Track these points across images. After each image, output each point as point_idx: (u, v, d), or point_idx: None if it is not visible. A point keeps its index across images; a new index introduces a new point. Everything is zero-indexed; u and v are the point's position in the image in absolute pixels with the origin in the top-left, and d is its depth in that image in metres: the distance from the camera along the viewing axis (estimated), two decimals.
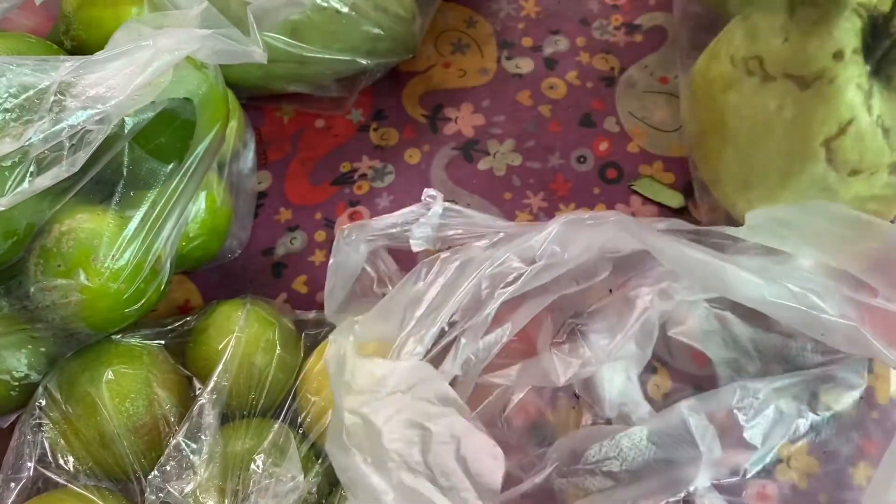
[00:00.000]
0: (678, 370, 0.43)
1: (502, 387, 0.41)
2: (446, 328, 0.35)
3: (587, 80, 0.56)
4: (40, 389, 0.38)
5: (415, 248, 0.40)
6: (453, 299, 0.34)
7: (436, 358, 0.35)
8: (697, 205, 0.49)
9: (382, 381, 0.32)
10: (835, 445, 0.40)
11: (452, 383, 0.33)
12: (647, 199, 0.51)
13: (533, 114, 0.55)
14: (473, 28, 0.59)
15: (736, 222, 0.49)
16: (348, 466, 0.30)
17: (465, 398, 0.35)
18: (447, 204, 0.40)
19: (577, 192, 0.52)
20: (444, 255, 0.37)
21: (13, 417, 0.41)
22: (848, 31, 0.35)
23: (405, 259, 0.43)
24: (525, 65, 0.57)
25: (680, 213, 0.50)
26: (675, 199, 0.50)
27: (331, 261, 0.39)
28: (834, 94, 0.35)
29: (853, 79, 0.35)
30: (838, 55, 0.35)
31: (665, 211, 0.50)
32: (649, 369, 0.42)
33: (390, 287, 0.42)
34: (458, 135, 0.55)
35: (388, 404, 0.31)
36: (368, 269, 0.42)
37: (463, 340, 0.35)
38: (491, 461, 0.31)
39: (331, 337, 0.34)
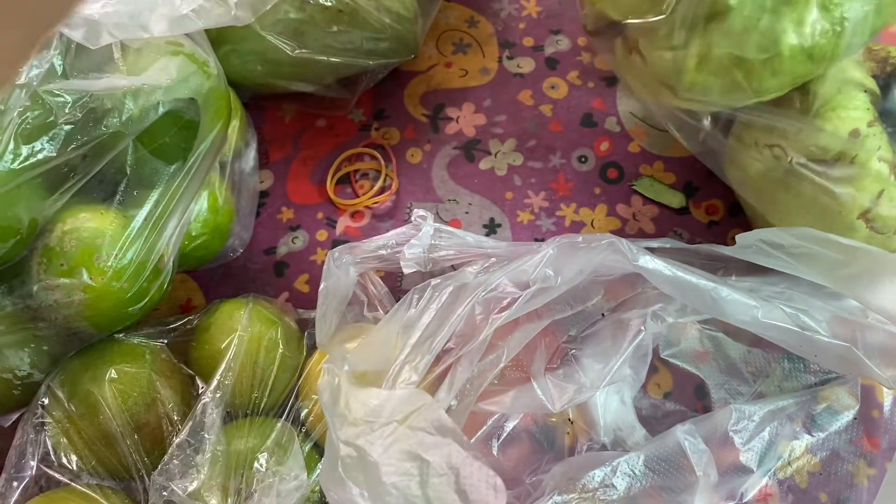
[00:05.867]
0: (679, 368, 0.43)
1: (497, 414, 0.40)
2: (440, 355, 0.34)
3: (588, 80, 0.56)
4: (43, 388, 0.38)
5: (406, 270, 0.39)
6: (447, 326, 0.34)
7: (430, 386, 0.34)
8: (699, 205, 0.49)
9: (377, 411, 0.31)
10: (835, 444, 0.40)
11: (447, 411, 0.32)
12: (647, 199, 0.51)
13: (534, 113, 0.55)
14: (475, 28, 0.59)
15: (736, 221, 0.49)
16: (344, 500, 0.30)
17: (459, 426, 0.34)
18: (437, 225, 0.40)
19: (578, 191, 0.52)
20: (435, 281, 0.37)
21: (16, 416, 0.41)
22: (858, 108, 0.36)
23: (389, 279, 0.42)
24: (526, 64, 0.57)
25: (681, 212, 0.50)
26: (675, 199, 0.50)
27: (321, 285, 0.38)
28: (858, 171, 0.35)
29: (874, 151, 0.35)
30: (854, 133, 0.35)
31: (666, 211, 0.50)
32: (650, 368, 0.43)
33: (381, 311, 0.42)
34: (459, 134, 0.55)
35: (384, 435, 0.31)
36: (358, 292, 0.42)
37: (458, 368, 0.35)
38: (491, 492, 0.30)
39: (324, 365, 0.34)
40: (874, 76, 0.37)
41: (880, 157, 0.35)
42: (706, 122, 0.40)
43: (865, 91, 0.36)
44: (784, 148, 0.37)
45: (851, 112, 0.36)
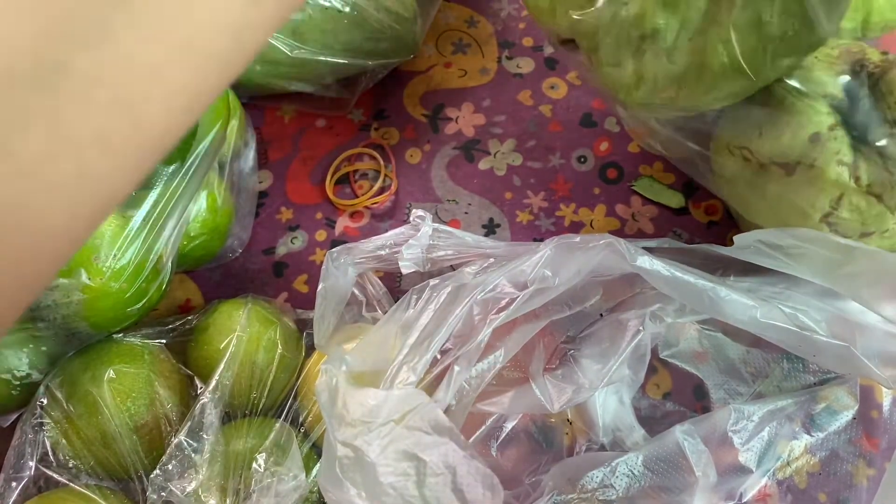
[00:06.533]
0: (678, 368, 0.43)
1: (495, 415, 0.40)
2: (438, 356, 0.34)
3: None
4: (42, 388, 0.38)
5: (404, 270, 0.39)
6: (445, 326, 0.34)
7: (429, 386, 0.34)
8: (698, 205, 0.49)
9: (375, 411, 0.31)
10: (834, 444, 0.40)
11: (445, 412, 0.32)
12: (647, 200, 0.51)
13: (533, 113, 0.55)
14: (474, 28, 0.59)
15: (735, 222, 0.49)
16: (342, 501, 0.30)
17: (458, 427, 0.34)
18: (436, 225, 0.40)
19: (577, 192, 0.52)
20: (433, 281, 0.37)
21: (14, 416, 0.41)
22: (819, 112, 0.35)
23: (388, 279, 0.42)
24: (526, 64, 0.57)
25: (680, 212, 0.50)
26: (675, 199, 0.50)
27: (320, 286, 0.38)
28: (817, 175, 0.35)
29: (834, 157, 0.35)
30: (814, 138, 0.35)
31: (665, 211, 0.50)
32: (649, 369, 0.42)
33: (380, 311, 0.42)
34: (458, 134, 0.55)
35: (382, 435, 0.31)
36: (357, 292, 0.42)
37: (456, 368, 0.34)
38: (488, 492, 0.30)
39: (322, 366, 0.34)
40: (844, 80, 0.37)
41: (840, 160, 0.35)
42: (677, 132, 0.41)
43: (826, 95, 0.36)
44: (751, 150, 0.37)
45: (812, 116, 0.35)
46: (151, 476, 0.35)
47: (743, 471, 0.38)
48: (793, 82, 0.36)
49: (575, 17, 0.37)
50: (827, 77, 0.36)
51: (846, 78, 0.36)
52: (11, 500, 0.36)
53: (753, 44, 0.32)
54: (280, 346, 0.41)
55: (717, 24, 0.33)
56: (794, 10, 0.31)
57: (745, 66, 0.33)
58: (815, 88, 0.36)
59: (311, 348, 0.43)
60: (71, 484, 0.36)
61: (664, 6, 0.34)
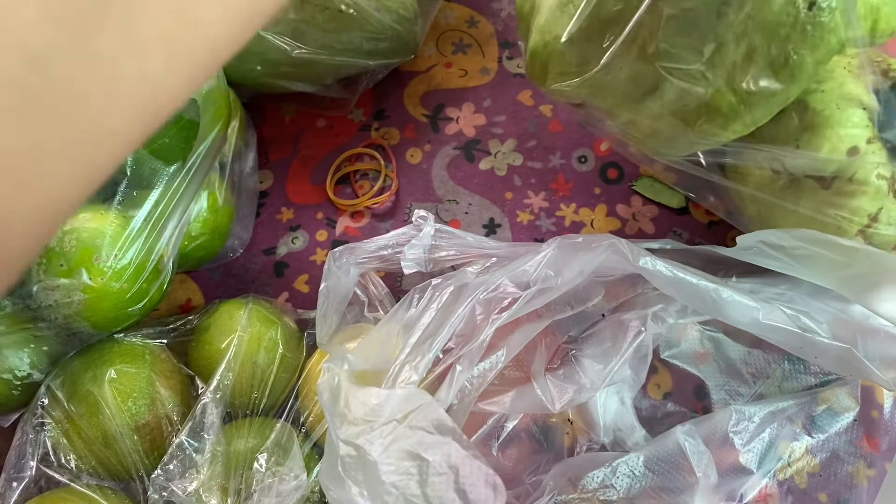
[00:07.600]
0: (679, 368, 0.43)
1: (496, 414, 0.40)
2: (440, 355, 0.34)
3: None
4: (43, 388, 0.38)
5: (406, 271, 0.39)
6: (448, 326, 0.34)
7: (430, 385, 0.34)
8: (698, 205, 0.49)
9: (377, 410, 0.31)
10: (835, 445, 0.40)
11: (447, 411, 0.32)
12: (647, 199, 0.51)
13: (534, 113, 0.55)
14: (475, 28, 0.59)
15: (735, 224, 0.49)
16: (343, 499, 0.30)
17: (459, 426, 0.34)
18: (438, 225, 0.40)
19: (578, 192, 0.52)
20: (435, 281, 0.37)
21: (15, 416, 0.41)
22: (857, 125, 0.35)
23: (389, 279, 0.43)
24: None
25: (681, 212, 0.50)
26: (675, 199, 0.50)
27: (322, 285, 0.38)
28: (856, 189, 0.35)
29: (873, 169, 0.35)
30: (852, 151, 0.35)
31: (666, 211, 0.50)
32: (650, 369, 0.42)
33: (381, 311, 0.42)
34: (459, 134, 0.55)
35: (384, 434, 0.30)
36: (359, 292, 0.42)
37: (458, 368, 0.34)
38: (491, 492, 0.30)
39: (324, 365, 0.34)
40: (874, 90, 0.37)
41: (879, 174, 0.35)
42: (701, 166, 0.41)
43: (864, 108, 0.36)
44: (783, 163, 0.37)
45: (850, 129, 0.35)
46: (153, 476, 0.35)
47: (744, 472, 0.38)
48: (829, 94, 0.36)
49: (568, 84, 0.37)
50: (859, 88, 0.36)
51: (878, 88, 0.36)
52: (12, 500, 0.36)
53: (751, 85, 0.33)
54: (281, 346, 0.41)
55: (717, 66, 0.33)
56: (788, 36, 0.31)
57: (749, 98, 0.33)
58: (850, 100, 0.36)
59: (312, 348, 0.43)
60: (72, 484, 0.36)
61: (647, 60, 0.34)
